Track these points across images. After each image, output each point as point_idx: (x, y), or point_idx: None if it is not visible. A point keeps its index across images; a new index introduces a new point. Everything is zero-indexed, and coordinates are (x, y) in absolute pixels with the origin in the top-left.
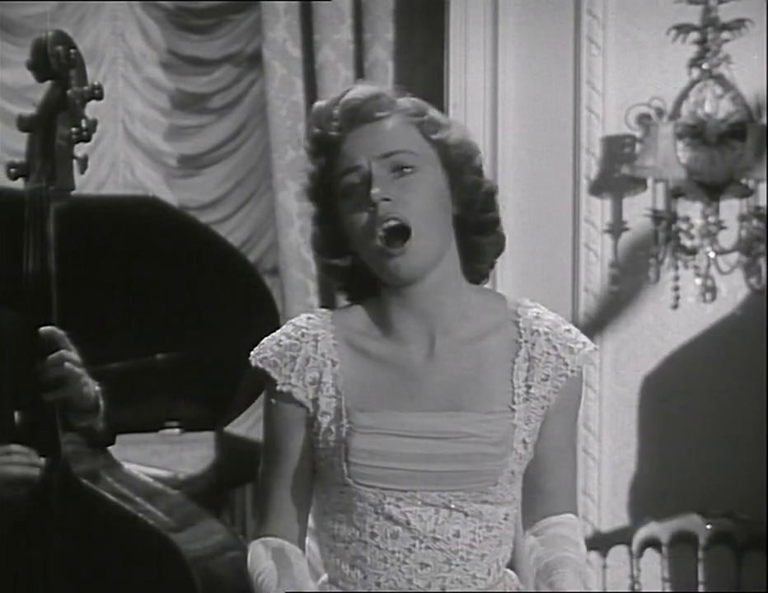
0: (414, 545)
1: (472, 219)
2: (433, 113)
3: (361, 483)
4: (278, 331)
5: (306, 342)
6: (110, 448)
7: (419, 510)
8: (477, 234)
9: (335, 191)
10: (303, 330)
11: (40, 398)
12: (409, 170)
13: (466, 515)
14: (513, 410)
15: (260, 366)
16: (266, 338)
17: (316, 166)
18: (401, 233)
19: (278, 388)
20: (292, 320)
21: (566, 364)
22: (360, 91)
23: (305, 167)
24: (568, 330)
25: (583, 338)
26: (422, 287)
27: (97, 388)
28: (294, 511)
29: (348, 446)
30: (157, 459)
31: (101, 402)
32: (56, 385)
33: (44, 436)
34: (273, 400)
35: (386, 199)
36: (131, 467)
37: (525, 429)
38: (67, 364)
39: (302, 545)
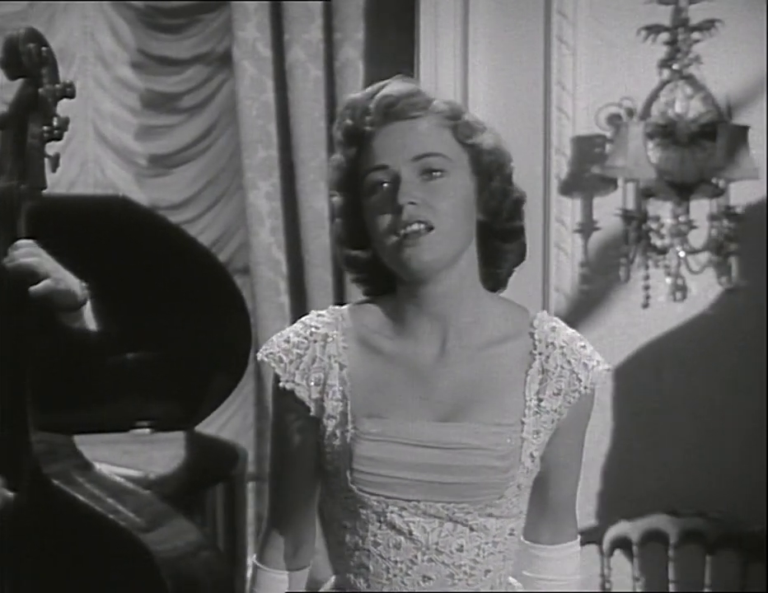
0: (416, 556)
1: (497, 226)
2: (469, 117)
3: (364, 490)
4: (288, 328)
5: (315, 341)
6: (81, 448)
7: (422, 521)
8: (500, 241)
9: (360, 185)
10: (312, 329)
11: (11, 393)
12: (438, 173)
13: (471, 529)
14: (523, 423)
15: (266, 360)
16: (275, 335)
17: (344, 158)
18: (422, 233)
19: (281, 385)
20: (303, 318)
21: (580, 380)
22: (397, 87)
23: (331, 158)
24: (584, 346)
25: (599, 356)
26: (438, 288)
27: (83, 284)
28: (301, 506)
29: (352, 453)
30: (128, 459)
31: (89, 301)
32: (28, 274)
33: (14, 435)
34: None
35: (412, 203)
36: (102, 467)
37: (534, 443)
38: (34, 254)
39: (310, 539)
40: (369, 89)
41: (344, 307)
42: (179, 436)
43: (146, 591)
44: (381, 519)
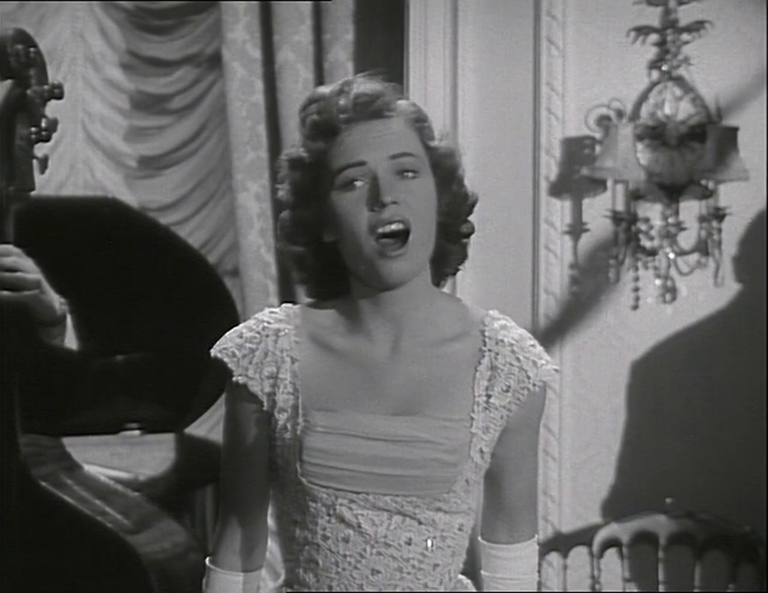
0: (365, 550)
1: (454, 229)
2: (429, 120)
3: (314, 482)
4: (242, 324)
5: (267, 336)
6: (70, 449)
7: (371, 514)
8: (452, 242)
9: (328, 180)
10: (265, 324)
11: None
12: (411, 174)
13: (420, 522)
14: (472, 419)
15: (219, 356)
16: (229, 332)
17: (308, 153)
18: (401, 236)
19: (234, 379)
20: (256, 315)
21: (528, 377)
22: (370, 86)
23: (286, 152)
24: (533, 345)
25: (548, 356)
26: (397, 291)
27: (62, 300)
28: (253, 505)
29: (302, 445)
30: (118, 461)
31: (68, 316)
32: (10, 287)
33: (2, 437)
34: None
35: (395, 202)
36: (91, 469)
37: (483, 439)
38: (19, 265)
39: (263, 540)
40: (335, 85)
41: (298, 305)
42: (168, 438)
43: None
44: (331, 512)
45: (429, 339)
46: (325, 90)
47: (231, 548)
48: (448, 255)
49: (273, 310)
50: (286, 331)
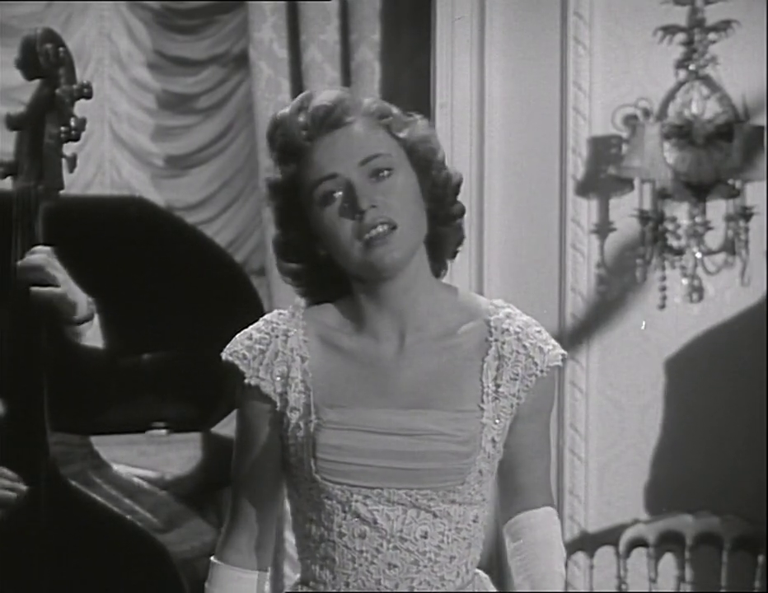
0: (381, 545)
1: (442, 212)
2: (396, 111)
3: (328, 479)
4: (251, 327)
5: (276, 336)
6: (98, 448)
7: (386, 509)
8: (443, 225)
9: (307, 198)
10: (274, 325)
11: (27, 394)
12: (386, 173)
13: (435, 515)
14: (482, 409)
15: (230, 359)
16: (238, 334)
17: (282, 175)
18: (386, 233)
19: (246, 381)
20: (265, 316)
21: (536, 364)
22: (326, 96)
23: (266, 177)
24: (539, 331)
25: (554, 341)
26: (396, 285)
27: (89, 299)
28: (262, 506)
29: (315, 442)
30: (144, 460)
31: (96, 315)
32: (37, 283)
33: (31, 435)
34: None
35: (374, 206)
36: (118, 467)
37: (494, 428)
38: (47, 264)
39: (268, 543)
40: (295, 104)
41: (304, 306)
42: (195, 437)
43: (164, 592)
44: (346, 509)
45: (434, 333)
46: (286, 111)
47: (236, 546)
48: (443, 239)
49: (281, 311)
50: (294, 331)
